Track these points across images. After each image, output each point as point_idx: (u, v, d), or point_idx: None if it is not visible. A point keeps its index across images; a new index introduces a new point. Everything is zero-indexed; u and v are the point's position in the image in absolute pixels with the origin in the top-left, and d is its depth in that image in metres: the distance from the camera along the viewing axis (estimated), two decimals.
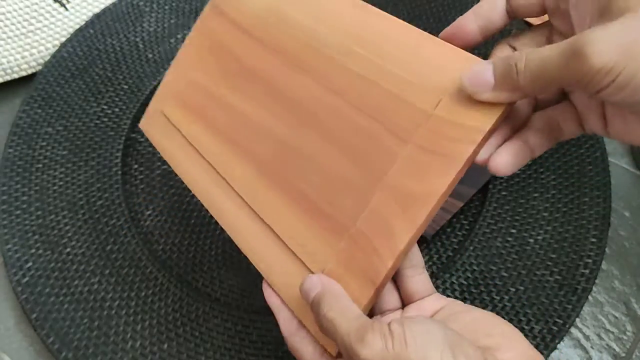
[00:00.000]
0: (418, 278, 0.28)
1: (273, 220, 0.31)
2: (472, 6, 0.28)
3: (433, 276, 0.41)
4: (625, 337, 0.40)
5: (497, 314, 0.39)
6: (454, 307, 0.27)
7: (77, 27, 0.58)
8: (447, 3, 0.58)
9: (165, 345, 0.40)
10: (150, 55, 0.56)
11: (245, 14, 0.36)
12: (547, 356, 0.38)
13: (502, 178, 0.46)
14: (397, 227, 0.25)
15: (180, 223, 0.47)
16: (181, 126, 0.37)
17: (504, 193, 0.45)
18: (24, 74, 0.56)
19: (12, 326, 0.43)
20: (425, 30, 0.28)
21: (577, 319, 0.41)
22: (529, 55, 0.22)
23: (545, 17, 0.28)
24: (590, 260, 0.41)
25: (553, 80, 0.22)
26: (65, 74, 0.54)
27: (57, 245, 0.44)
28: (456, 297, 0.41)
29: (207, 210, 0.35)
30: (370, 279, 0.26)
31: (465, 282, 0.41)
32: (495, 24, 0.28)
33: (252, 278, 0.43)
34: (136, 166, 0.50)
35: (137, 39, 0.57)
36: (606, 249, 0.42)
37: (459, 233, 0.45)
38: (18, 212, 0.46)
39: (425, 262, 0.40)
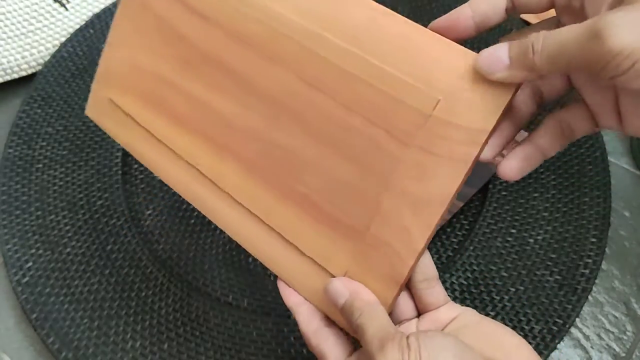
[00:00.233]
0: (432, 290, 0.28)
1: (277, 224, 0.30)
2: None
3: None
4: (625, 337, 0.40)
5: (497, 314, 0.39)
6: (467, 317, 0.28)
7: (77, 27, 0.58)
8: (447, 3, 0.58)
9: (165, 345, 0.40)
10: None
11: None
12: (547, 356, 0.38)
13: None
14: (413, 231, 0.26)
15: (180, 223, 0.47)
16: (136, 115, 0.34)
17: (504, 193, 0.45)
18: (24, 74, 0.56)
19: (12, 326, 0.43)
20: None
21: (577, 319, 0.41)
22: (547, 35, 0.22)
23: (544, 15, 0.28)
24: (590, 260, 0.41)
25: (570, 62, 0.22)
26: (65, 74, 0.54)
27: (57, 245, 0.44)
28: (456, 297, 0.41)
29: None
30: (393, 279, 0.27)
31: (465, 282, 0.41)
32: (492, 20, 0.27)
33: (252, 278, 0.43)
34: (136, 166, 0.50)
35: None
36: (606, 249, 0.42)
37: (459, 233, 0.45)
38: (18, 212, 0.46)
39: None
